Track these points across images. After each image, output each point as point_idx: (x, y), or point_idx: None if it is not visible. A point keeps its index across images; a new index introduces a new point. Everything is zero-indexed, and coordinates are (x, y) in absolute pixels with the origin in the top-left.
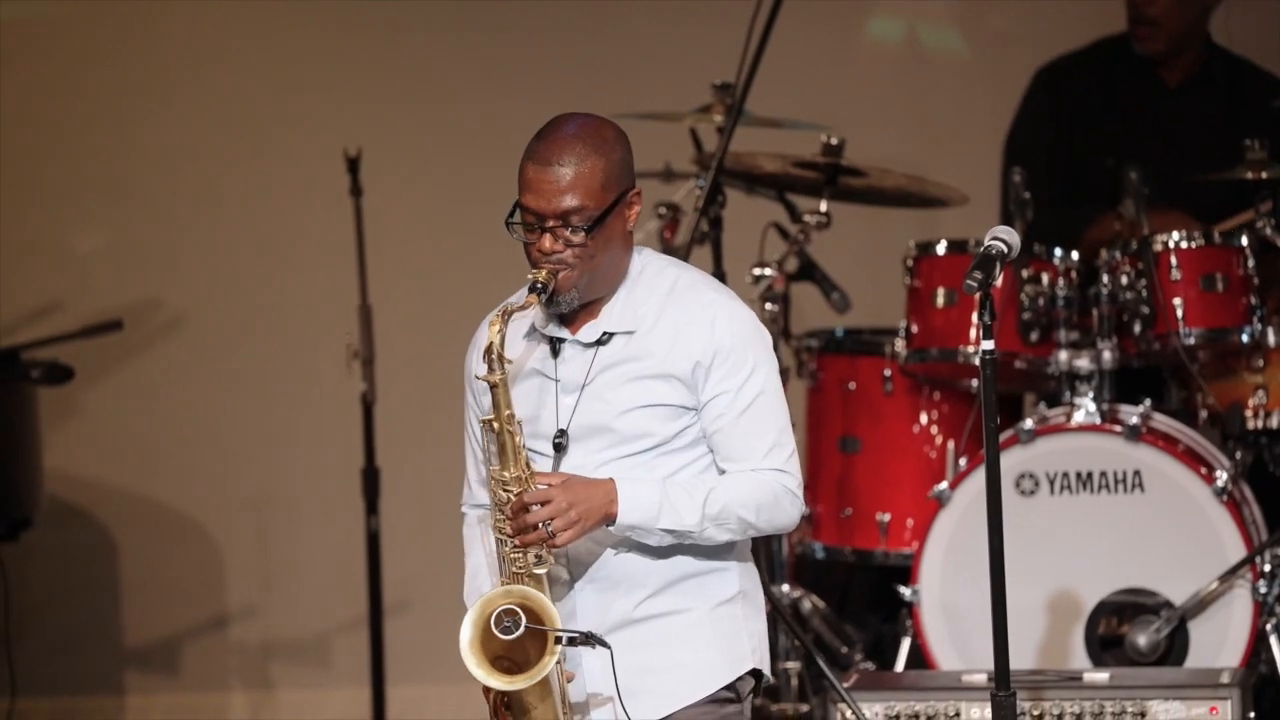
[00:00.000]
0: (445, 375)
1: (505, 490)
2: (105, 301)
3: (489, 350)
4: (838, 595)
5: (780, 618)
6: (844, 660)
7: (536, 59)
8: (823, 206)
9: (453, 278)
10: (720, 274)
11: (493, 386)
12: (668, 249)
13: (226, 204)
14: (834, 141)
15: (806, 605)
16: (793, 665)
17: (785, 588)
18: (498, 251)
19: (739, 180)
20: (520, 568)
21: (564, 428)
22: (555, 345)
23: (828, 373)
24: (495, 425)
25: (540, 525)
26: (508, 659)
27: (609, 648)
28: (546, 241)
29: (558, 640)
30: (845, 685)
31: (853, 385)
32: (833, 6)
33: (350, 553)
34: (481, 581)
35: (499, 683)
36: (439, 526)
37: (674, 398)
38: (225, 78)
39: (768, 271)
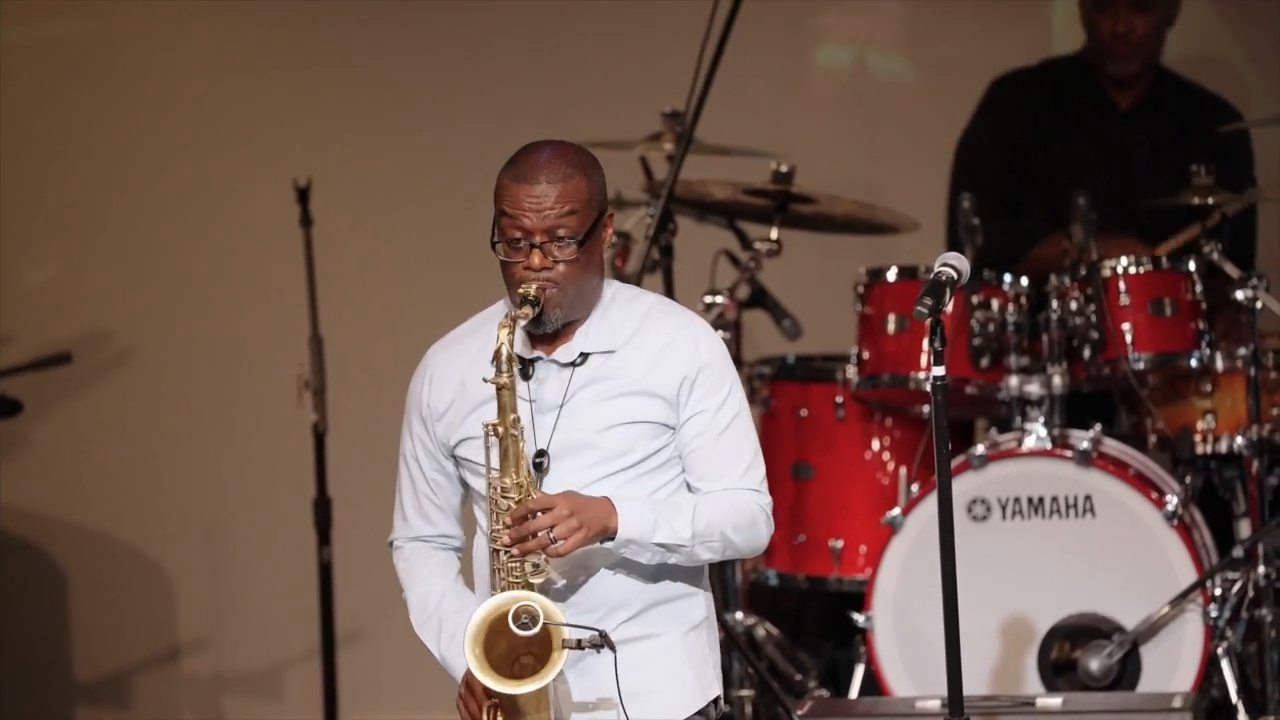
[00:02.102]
0: (397, 404)
1: (505, 498)
2: (54, 334)
3: (498, 353)
4: (791, 622)
5: (734, 645)
6: (798, 688)
7: (486, 88)
8: (773, 234)
9: (403, 307)
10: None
11: (500, 388)
12: (619, 277)
13: (176, 235)
14: (784, 169)
15: (760, 632)
16: (747, 693)
17: (739, 615)
18: (448, 280)
19: (690, 208)
20: (516, 578)
21: (544, 448)
22: (527, 366)
23: (780, 400)
24: (500, 429)
25: (542, 532)
26: (509, 666)
27: (614, 649)
28: (536, 258)
29: (577, 644)
30: (799, 713)
31: (805, 412)
32: (782, 34)
33: (302, 583)
34: (445, 604)
35: (504, 686)
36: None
37: (656, 415)
38: (174, 109)
39: (719, 299)
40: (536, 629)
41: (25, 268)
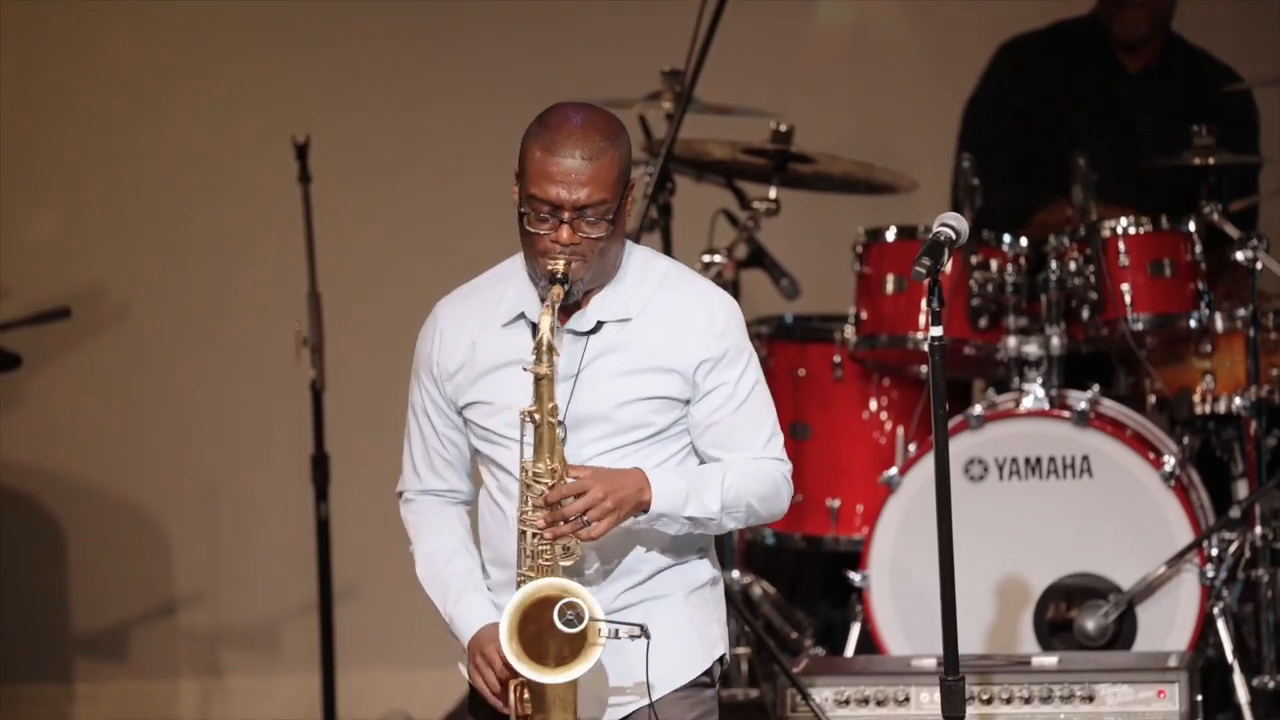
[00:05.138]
0: (394, 362)
1: (538, 482)
2: (52, 289)
3: (539, 343)
4: (788, 581)
5: (731, 604)
6: (794, 646)
7: (485, 46)
8: (772, 193)
9: (401, 264)
10: None
11: (540, 378)
12: None
13: (174, 191)
14: (783, 128)
15: (757, 591)
16: (743, 651)
17: (736, 574)
18: (446, 236)
19: (688, 167)
20: (548, 560)
21: (560, 418)
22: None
23: (777, 359)
24: (536, 417)
25: (576, 517)
26: (535, 650)
27: (649, 638)
28: (565, 233)
29: (614, 634)
30: (796, 671)
31: (802, 372)
32: None
33: (300, 539)
34: (454, 564)
35: (543, 676)
36: (389, 513)
37: (673, 390)
38: (172, 65)
39: (717, 258)
40: (582, 626)
41: (23, 222)
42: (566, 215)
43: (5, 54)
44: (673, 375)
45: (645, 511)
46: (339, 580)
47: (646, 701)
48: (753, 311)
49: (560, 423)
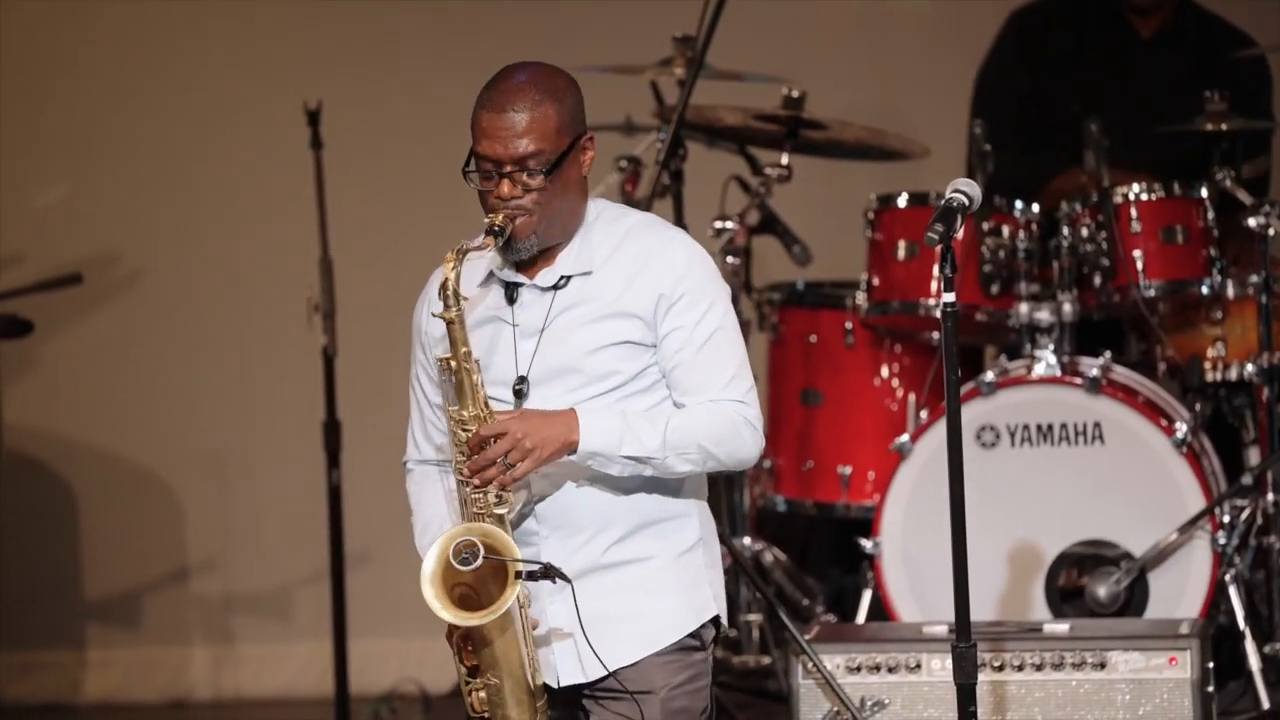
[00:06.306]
0: (407, 328)
1: (465, 430)
2: (64, 255)
3: (444, 287)
4: (799, 548)
5: (742, 570)
6: (805, 613)
7: (497, 11)
8: (784, 159)
9: (414, 230)
10: (681, 227)
11: (449, 323)
12: (629, 202)
13: (186, 157)
14: (795, 94)
15: (768, 558)
16: (754, 618)
17: (747, 540)
18: (459, 203)
19: (700, 133)
20: (481, 508)
21: (524, 374)
22: (511, 291)
23: (789, 326)
24: (452, 363)
25: (499, 460)
26: (473, 599)
27: (570, 581)
28: (505, 187)
29: (517, 575)
30: (807, 637)
31: (814, 338)
32: None
33: (312, 506)
34: (436, 532)
35: (458, 618)
36: (400, 480)
37: (634, 335)
38: (184, 29)
39: (729, 225)
40: (477, 563)
41: (35, 188)
42: (507, 169)
43: (13, 19)
44: (634, 320)
45: (574, 451)
46: (351, 547)
47: (628, 662)
48: (764, 278)
49: (523, 379)
